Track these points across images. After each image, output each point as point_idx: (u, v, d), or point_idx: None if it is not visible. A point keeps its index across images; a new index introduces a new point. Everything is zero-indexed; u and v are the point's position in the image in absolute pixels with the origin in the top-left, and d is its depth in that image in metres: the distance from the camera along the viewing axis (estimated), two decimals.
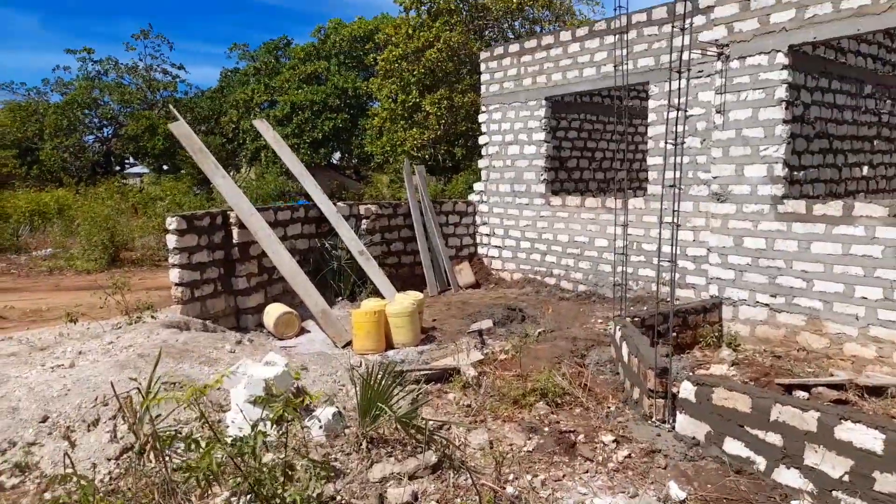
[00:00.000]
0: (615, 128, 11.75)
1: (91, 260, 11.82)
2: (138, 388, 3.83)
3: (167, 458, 3.22)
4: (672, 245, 5.05)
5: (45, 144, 25.99)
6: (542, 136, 10.02)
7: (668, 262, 5.08)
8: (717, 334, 6.78)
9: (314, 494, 3.48)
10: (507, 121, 10.57)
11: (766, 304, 6.60)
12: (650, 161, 8.65)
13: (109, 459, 4.01)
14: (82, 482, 3.12)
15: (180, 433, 3.25)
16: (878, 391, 4.99)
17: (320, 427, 4.35)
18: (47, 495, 3.66)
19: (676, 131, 5.33)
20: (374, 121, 19.56)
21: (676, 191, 5.08)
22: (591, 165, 12.05)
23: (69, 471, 3.18)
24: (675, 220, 4.96)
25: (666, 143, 6.12)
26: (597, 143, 12.08)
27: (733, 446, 4.11)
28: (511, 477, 3.98)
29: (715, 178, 7.07)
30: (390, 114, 18.46)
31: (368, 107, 24.36)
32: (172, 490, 3.03)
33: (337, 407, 4.66)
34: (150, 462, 3.39)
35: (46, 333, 6.33)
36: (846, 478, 3.52)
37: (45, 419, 4.41)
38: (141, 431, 3.57)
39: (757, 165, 6.68)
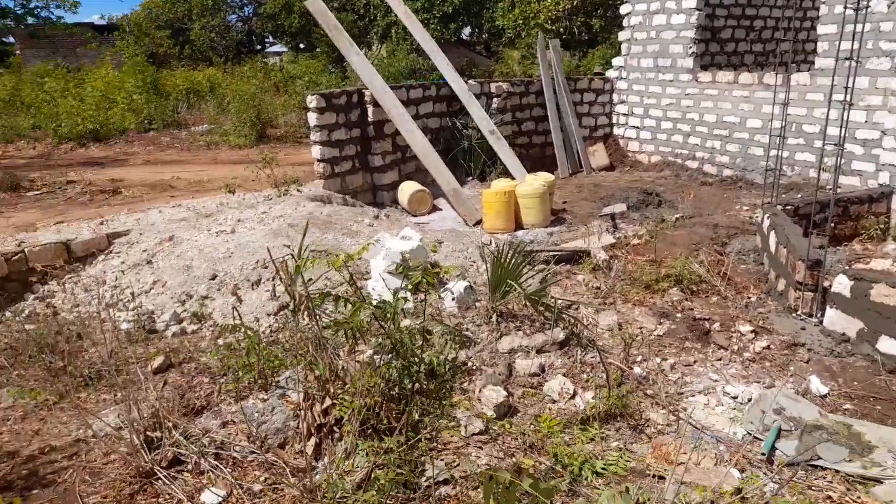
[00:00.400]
0: None
1: (242, 136, 12.67)
2: (291, 254, 4.20)
3: (318, 317, 3.56)
4: (841, 126, 4.50)
5: (193, 25, 27.38)
6: (693, 2, 9.00)
7: (834, 145, 4.56)
8: (882, 226, 6.12)
9: (449, 357, 3.74)
10: None
11: None
12: (821, 30, 7.54)
13: (269, 315, 4.51)
14: (249, 332, 3.56)
15: (331, 294, 3.55)
16: None
17: (453, 299, 4.58)
18: (220, 341, 4.22)
19: None
20: None
21: (853, 64, 4.43)
22: (748, 36, 10.73)
23: (238, 322, 3.62)
24: (848, 98, 4.38)
25: (845, 6, 5.26)
26: (757, 10, 10.65)
27: (888, 345, 3.82)
28: (639, 358, 4.00)
29: None
30: None
31: None
32: (323, 344, 3.36)
33: (468, 281, 4.85)
34: (304, 319, 3.76)
35: (209, 202, 7.01)
36: None
37: (214, 277, 4.99)
38: (295, 292, 3.94)
39: None
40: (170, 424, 2.91)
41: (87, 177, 9.08)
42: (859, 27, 4.35)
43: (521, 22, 18.02)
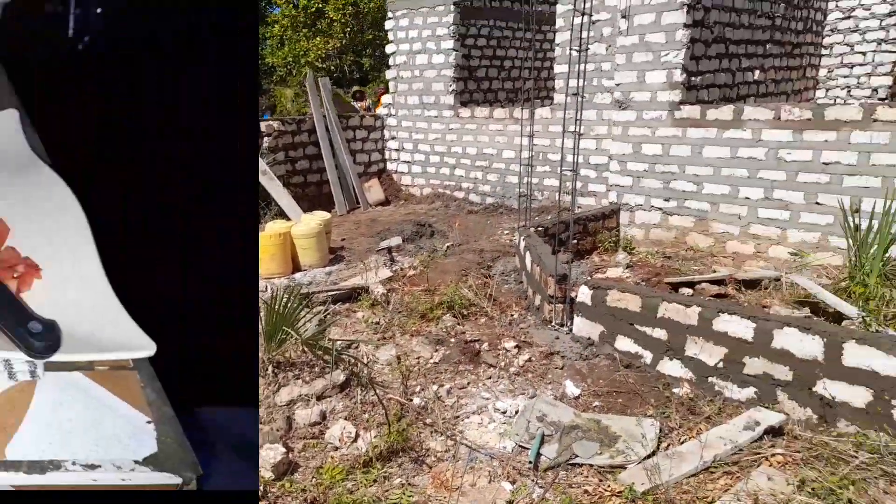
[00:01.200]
0: (524, 35, 11.54)
1: None
2: None
3: None
4: (574, 154, 5.11)
5: None
6: (450, 44, 9.72)
7: (571, 171, 5.16)
8: (614, 239, 7.08)
9: None
10: (414, 28, 10.15)
11: (660, 208, 6.91)
12: (557, 69, 8.60)
13: None
14: None
15: None
16: (753, 284, 5.40)
17: None
18: None
19: (581, 37, 5.26)
20: (274, 29, 18.35)
21: (580, 99, 5.09)
22: (500, 75, 11.86)
23: None
24: (578, 129, 5.00)
25: (570, 49, 6.03)
26: (506, 52, 11.84)
27: (624, 343, 4.38)
28: (418, 389, 4.10)
29: (618, 85, 7.13)
30: (291, 21, 17.37)
31: (268, 13, 22.75)
32: None
33: None
34: None
35: None
36: (720, 364, 3.85)
37: None
38: None
39: (657, 72, 6.76)
40: None
41: None
42: (583, 67, 5.01)
43: (290, 60, 17.97)
